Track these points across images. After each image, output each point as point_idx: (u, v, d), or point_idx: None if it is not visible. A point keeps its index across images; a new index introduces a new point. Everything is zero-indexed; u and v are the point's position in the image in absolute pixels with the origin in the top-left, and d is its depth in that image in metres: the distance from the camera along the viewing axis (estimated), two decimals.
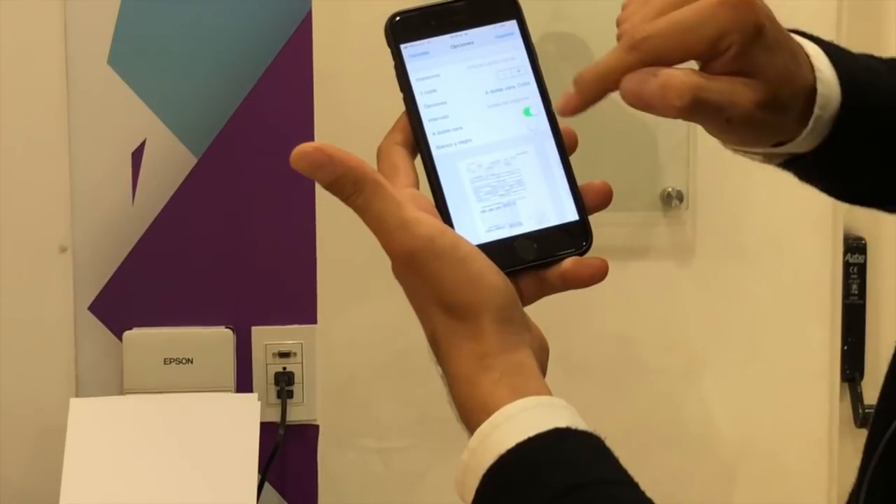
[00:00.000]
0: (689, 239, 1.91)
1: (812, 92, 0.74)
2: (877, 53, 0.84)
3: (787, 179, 2.01)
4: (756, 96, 0.70)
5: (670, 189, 1.88)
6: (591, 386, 1.90)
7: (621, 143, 1.88)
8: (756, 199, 1.89)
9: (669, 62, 0.69)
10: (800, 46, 0.75)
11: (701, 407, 1.92)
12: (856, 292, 1.92)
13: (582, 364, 1.90)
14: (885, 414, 0.75)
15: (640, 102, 0.69)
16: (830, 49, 0.77)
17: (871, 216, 1.93)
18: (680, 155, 1.87)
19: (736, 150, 0.80)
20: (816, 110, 0.74)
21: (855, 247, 1.92)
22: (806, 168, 0.79)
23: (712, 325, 1.91)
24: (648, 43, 0.69)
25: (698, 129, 2.01)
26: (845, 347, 1.92)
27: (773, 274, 1.91)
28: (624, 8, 0.73)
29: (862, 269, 1.92)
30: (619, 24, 0.72)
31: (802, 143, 0.76)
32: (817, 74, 0.74)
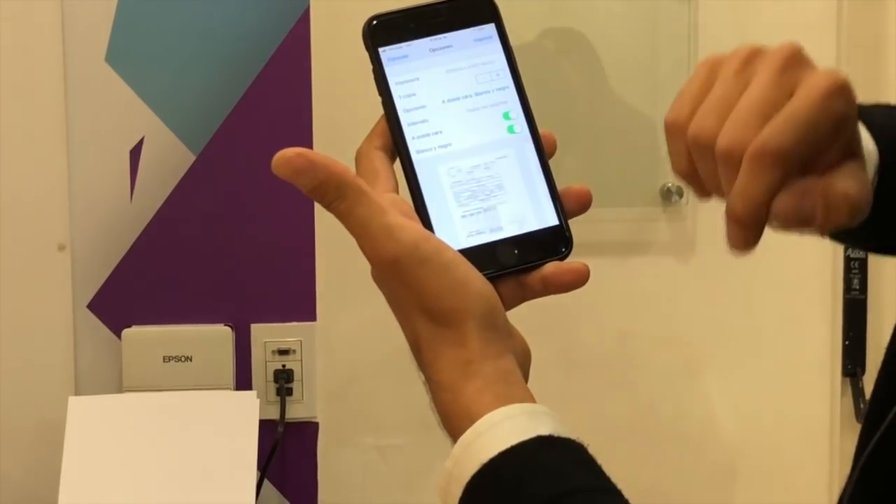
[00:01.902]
0: (690, 234, 1.90)
1: None
2: (877, 53, 0.83)
3: None
4: (867, 179, 0.69)
5: (670, 184, 1.87)
6: (591, 382, 1.89)
7: (621, 139, 1.87)
8: None
9: (803, 164, 0.66)
10: None
11: (702, 402, 1.92)
12: (857, 287, 1.92)
13: (582, 360, 1.90)
14: (880, 408, 0.75)
15: (800, 222, 0.66)
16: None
17: None
18: None
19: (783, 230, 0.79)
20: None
21: None
22: (849, 234, 0.78)
23: (713, 320, 1.91)
24: (786, 154, 0.65)
25: None
26: (846, 342, 1.92)
27: (774, 269, 1.90)
28: (681, 108, 0.70)
29: (863, 263, 1.91)
30: (677, 126, 0.69)
31: None
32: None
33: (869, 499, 0.74)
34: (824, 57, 1.88)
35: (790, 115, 0.65)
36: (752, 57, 0.69)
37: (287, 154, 0.68)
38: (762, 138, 0.65)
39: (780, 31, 1.87)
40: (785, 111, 0.66)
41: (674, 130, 0.70)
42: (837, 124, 0.66)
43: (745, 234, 0.67)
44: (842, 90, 0.66)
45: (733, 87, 0.68)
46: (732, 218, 0.67)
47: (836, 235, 0.80)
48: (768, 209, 0.66)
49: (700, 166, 0.70)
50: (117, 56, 1.81)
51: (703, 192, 0.72)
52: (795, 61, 0.68)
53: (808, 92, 0.66)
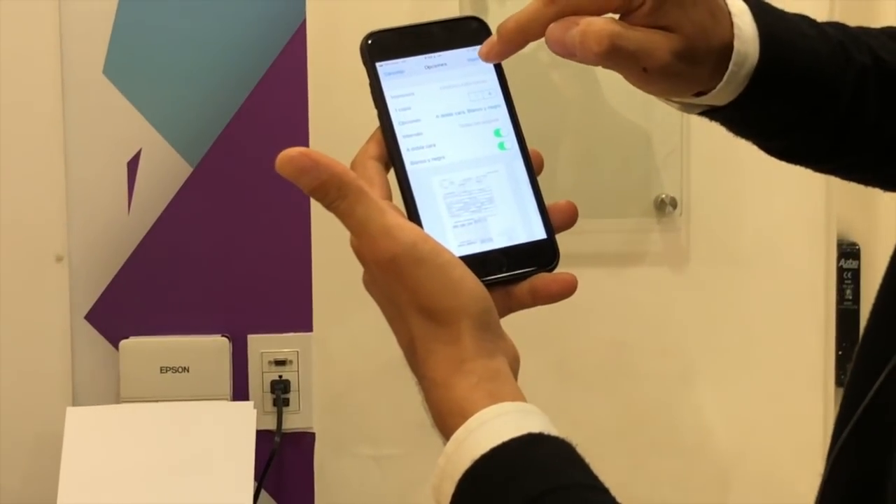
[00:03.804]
0: (683, 245, 1.91)
1: (730, 48, 0.77)
2: None
3: (781, 186, 2.01)
4: (672, 46, 0.73)
5: (664, 195, 1.88)
6: (586, 392, 1.90)
7: (615, 150, 1.88)
8: (750, 204, 1.90)
9: (587, 14, 0.72)
10: (721, 4, 0.77)
11: (696, 412, 1.93)
12: (850, 298, 1.93)
13: (577, 370, 1.90)
14: (848, 409, 0.77)
15: (563, 49, 0.72)
16: (757, 8, 0.79)
17: (866, 221, 1.94)
18: (674, 161, 1.88)
19: (659, 98, 0.82)
20: (732, 66, 0.77)
21: (849, 252, 1.93)
22: (726, 120, 0.83)
23: (707, 330, 1.92)
24: None
25: (692, 136, 2.02)
26: (840, 353, 1.93)
27: (767, 279, 1.91)
28: None
29: (856, 274, 1.92)
30: None
31: (718, 95, 0.78)
32: (736, 32, 0.77)
33: (853, 467, 0.76)
34: None
35: None
36: None
37: (291, 153, 0.70)
38: None
39: None
40: None
41: None
42: None
43: (497, 45, 0.74)
44: None
45: None
46: (497, 29, 0.74)
47: (710, 116, 0.83)
48: (528, 36, 0.73)
49: None
50: (115, 69, 1.82)
51: None
52: None
53: None
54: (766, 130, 0.84)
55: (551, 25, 0.72)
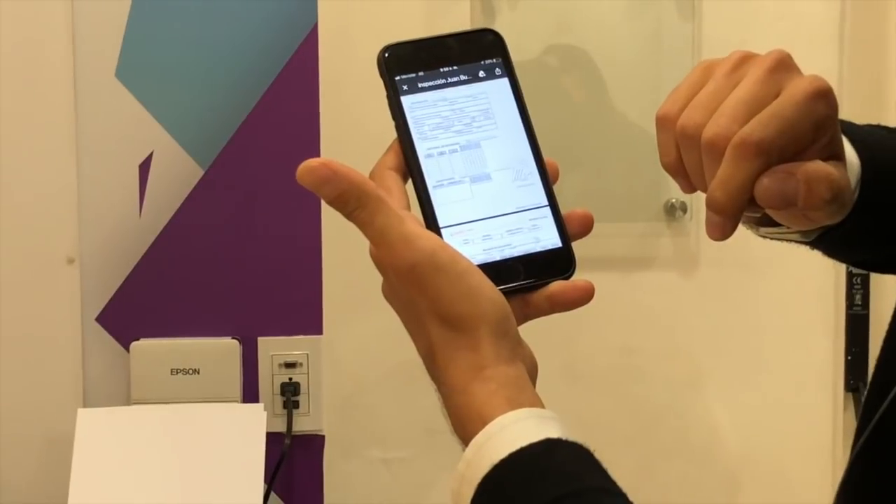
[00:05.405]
0: (693, 249, 1.91)
1: None
2: (879, 70, 0.85)
3: None
4: (848, 177, 0.72)
5: (674, 200, 1.89)
6: (595, 395, 1.90)
7: (626, 155, 1.88)
8: None
9: (785, 160, 0.70)
10: None
11: (705, 416, 1.93)
12: (859, 303, 1.93)
13: (587, 374, 1.91)
14: (880, 390, 0.78)
15: (782, 201, 0.69)
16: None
17: None
18: None
19: (771, 236, 0.81)
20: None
21: None
22: (841, 239, 0.80)
23: (716, 335, 1.92)
24: (768, 145, 0.69)
25: None
26: (849, 358, 1.93)
27: (777, 284, 1.91)
28: (672, 103, 0.74)
29: (865, 279, 1.92)
30: (667, 119, 0.73)
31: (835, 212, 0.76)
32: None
33: (867, 477, 0.76)
34: (826, 72, 1.88)
35: (774, 112, 0.69)
36: (744, 60, 0.73)
37: (311, 164, 0.71)
38: (746, 130, 0.69)
39: (782, 47, 1.88)
40: (769, 108, 0.69)
41: (664, 123, 0.75)
42: (818, 124, 0.70)
43: (722, 221, 0.71)
44: (825, 94, 0.70)
45: (723, 85, 0.72)
46: (711, 205, 0.71)
47: (818, 243, 0.82)
48: (747, 198, 0.70)
49: (686, 158, 0.74)
50: (127, 71, 1.82)
51: (688, 185, 0.76)
52: (783, 66, 0.72)
53: (792, 92, 0.70)
54: (879, 240, 0.83)
55: (763, 181, 0.69)
